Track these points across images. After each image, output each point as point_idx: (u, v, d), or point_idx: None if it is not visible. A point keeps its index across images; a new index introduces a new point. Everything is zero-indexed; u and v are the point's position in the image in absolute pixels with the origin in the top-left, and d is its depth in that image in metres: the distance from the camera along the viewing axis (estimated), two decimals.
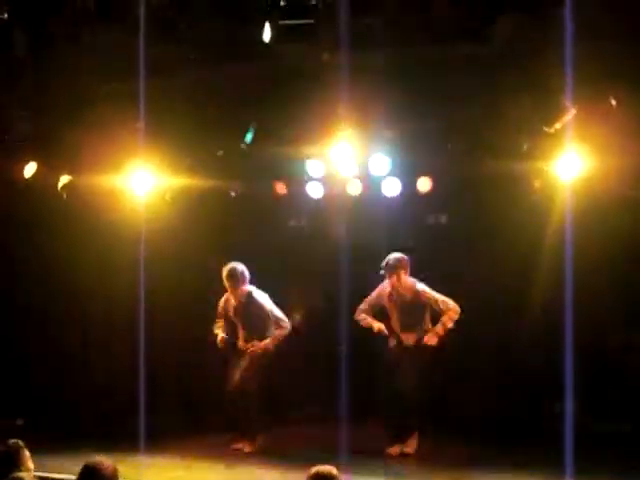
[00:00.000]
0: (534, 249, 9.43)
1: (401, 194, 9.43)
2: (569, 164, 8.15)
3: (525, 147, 8.29)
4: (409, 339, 8.75)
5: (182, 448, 8.91)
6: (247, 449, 8.75)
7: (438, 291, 8.70)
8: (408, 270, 8.75)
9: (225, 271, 8.89)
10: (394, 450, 8.56)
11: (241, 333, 9.05)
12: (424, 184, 9.32)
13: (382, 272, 8.73)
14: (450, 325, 8.58)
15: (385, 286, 8.86)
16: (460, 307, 8.66)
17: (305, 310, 10.44)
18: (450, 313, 8.57)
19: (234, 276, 8.87)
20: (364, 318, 8.88)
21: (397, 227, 9.87)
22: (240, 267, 8.90)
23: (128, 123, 8.57)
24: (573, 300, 7.72)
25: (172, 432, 9.60)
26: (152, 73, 7.93)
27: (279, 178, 9.84)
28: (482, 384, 9.90)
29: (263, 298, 8.97)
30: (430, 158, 8.97)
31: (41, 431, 8.48)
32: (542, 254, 9.31)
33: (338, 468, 4.89)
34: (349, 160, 8.85)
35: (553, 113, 7.86)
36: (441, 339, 8.61)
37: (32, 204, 9.93)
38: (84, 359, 10.64)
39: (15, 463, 5.51)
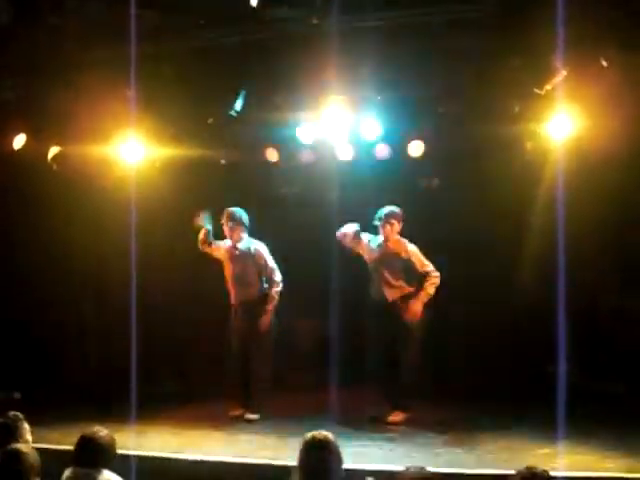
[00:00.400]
0: (526, 211, 9.45)
1: (392, 159, 9.41)
2: (560, 125, 8.16)
3: (516, 109, 8.29)
4: (393, 295, 8.68)
5: (179, 417, 8.93)
6: (247, 415, 8.78)
7: (431, 254, 8.68)
8: (401, 223, 8.67)
9: (225, 213, 8.88)
10: (391, 417, 8.57)
11: (234, 288, 9.03)
12: (416, 148, 9.28)
13: (376, 222, 8.65)
14: (432, 292, 8.51)
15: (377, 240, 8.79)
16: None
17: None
18: (432, 279, 8.49)
19: (234, 217, 8.86)
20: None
21: (389, 192, 9.83)
22: (240, 211, 8.91)
23: (117, 91, 8.50)
24: (565, 262, 7.73)
25: (168, 401, 9.65)
26: (140, 40, 7.83)
27: (270, 145, 9.79)
28: (474, 348, 9.94)
29: (261, 247, 8.94)
30: (421, 122, 8.94)
31: (37, 404, 8.49)
32: (534, 216, 9.33)
33: (334, 433, 4.94)
34: (340, 125, 8.81)
35: (544, 75, 7.83)
36: (425, 305, 8.56)
37: (22, 175, 9.87)
38: (78, 329, 10.66)
39: (14, 435, 5.55)
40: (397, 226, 8.66)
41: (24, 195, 10.08)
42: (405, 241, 8.70)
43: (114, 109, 8.76)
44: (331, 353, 8.68)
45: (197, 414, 9.09)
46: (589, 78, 7.66)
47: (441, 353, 9.89)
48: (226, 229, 8.93)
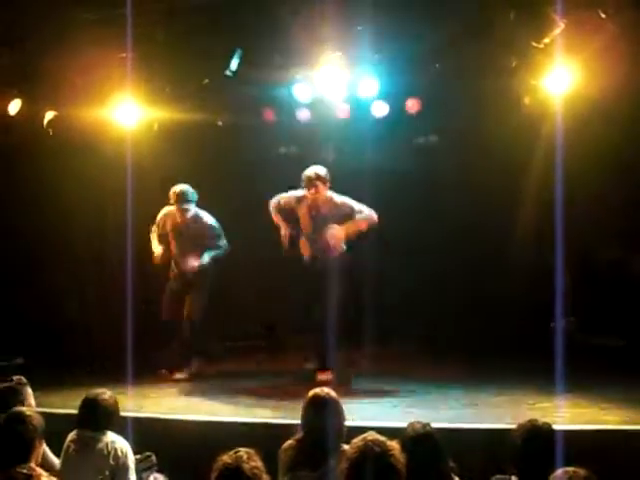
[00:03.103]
0: (525, 166, 9.42)
1: (390, 116, 9.37)
2: (558, 79, 8.11)
3: (514, 64, 8.22)
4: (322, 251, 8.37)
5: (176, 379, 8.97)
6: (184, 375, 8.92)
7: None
8: (328, 184, 8.25)
9: (174, 191, 8.79)
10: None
11: (176, 254, 9.07)
12: (413, 105, 9.23)
13: (302, 185, 8.30)
14: (363, 226, 8.13)
15: (302, 196, 8.45)
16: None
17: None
18: (368, 217, 8.18)
19: (183, 195, 8.78)
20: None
21: (387, 149, 9.82)
22: (187, 187, 8.82)
23: (111, 53, 8.44)
24: (563, 216, 7.73)
25: (169, 363, 9.69)
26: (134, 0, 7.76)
27: (267, 105, 9.74)
28: (476, 303, 9.97)
29: (208, 218, 8.93)
30: (418, 78, 8.89)
31: (39, 370, 8.53)
32: (533, 170, 9.30)
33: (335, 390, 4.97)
34: (337, 83, 8.77)
35: (541, 28, 7.76)
36: (349, 237, 8.23)
37: (18, 141, 9.82)
38: (78, 295, 10.64)
39: (18, 399, 5.58)
40: (322, 187, 8.23)
41: (21, 160, 10.03)
42: (332, 194, 8.32)
43: (109, 71, 8.72)
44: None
45: (197, 377, 9.12)
46: (587, 31, 7.59)
47: (442, 309, 9.92)
48: (176, 206, 8.84)
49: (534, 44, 7.87)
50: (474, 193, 9.98)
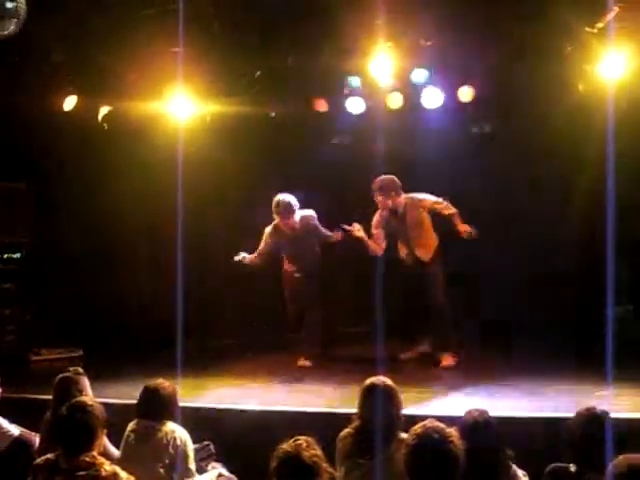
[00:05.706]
0: (578, 153, 9.33)
1: (443, 105, 9.32)
2: (613, 65, 7.99)
3: (568, 49, 8.12)
4: (424, 254, 8.66)
5: (237, 369, 9.04)
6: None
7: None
8: (399, 191, 8.54)
9: (274, 203, 8.72)
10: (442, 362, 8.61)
11: (289, 264, 9.11)
12: (466, 93, 9.18)
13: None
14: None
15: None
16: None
17: None
18: (451, 211, 8.46)
19: (284, 208, 8.71)
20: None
21: (441, 138, 9.78)
22: (288, 198, 8.72)
23: (165, 48, 8.51)
24: (615, 203, 7.63)
25: (227, 354, 9.78)
26: None
27: (319, 95, 9.75)
28: (529, 289, 9.93)
29: (314, 219, 8.92)
30: (471, 66, 8.83)
31: (97, 361, 8.65)
32: (586, 158, 9.20)
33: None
34: (389, 73, 8.74)
35: (595, 12, 7.65)
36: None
37: (74, 136, 9.94)
38: (134, 288, 10.76)
39: (76, 389, 5.68)
40: (395, 195, 8.56)
41: (76, 155, 10.15)
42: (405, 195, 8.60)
43: (162, 66, 8.78)
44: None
45: (255, 367, 9.17)
46: None
47: (502, 297, 9.90)
48: (279, 219, 8.81)
49: (588, 29, 7.77)
50: (527, 181, 9.93)
